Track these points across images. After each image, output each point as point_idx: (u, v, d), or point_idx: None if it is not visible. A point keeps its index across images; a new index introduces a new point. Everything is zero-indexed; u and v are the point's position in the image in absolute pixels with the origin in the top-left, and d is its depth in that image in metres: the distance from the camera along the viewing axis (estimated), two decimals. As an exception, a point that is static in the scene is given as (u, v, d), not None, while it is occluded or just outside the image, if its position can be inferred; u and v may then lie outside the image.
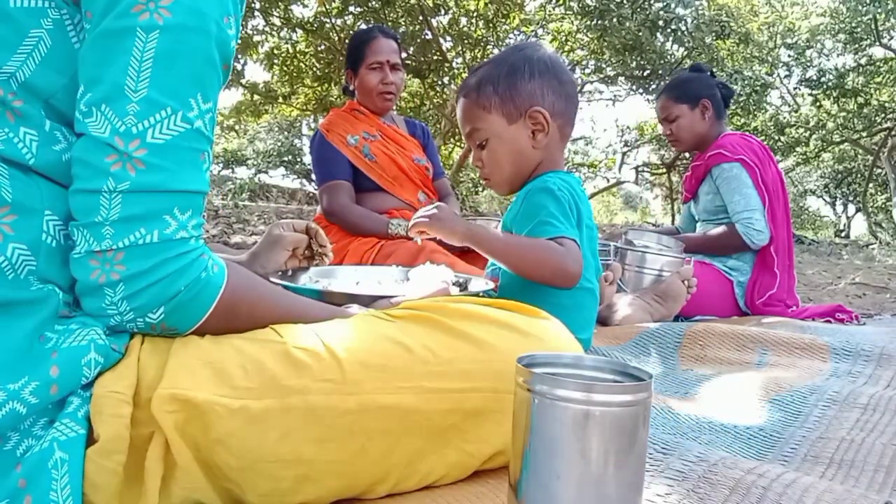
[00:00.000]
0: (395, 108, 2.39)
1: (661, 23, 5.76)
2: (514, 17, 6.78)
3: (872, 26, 9.23)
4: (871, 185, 13.41)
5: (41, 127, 0.59)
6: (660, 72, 7.13)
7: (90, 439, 0.57)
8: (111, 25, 0.57)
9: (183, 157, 0.60)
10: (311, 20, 6.26)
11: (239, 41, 0.66)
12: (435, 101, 7.46)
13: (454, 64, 6.81)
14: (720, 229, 2.29)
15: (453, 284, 1.19)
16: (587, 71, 8.17)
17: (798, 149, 11.34)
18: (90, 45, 0.58)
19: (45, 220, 0.59)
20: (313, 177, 2.55)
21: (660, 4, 5.64)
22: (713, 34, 6.63)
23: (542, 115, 1.18)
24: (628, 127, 11.39)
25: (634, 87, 8.28)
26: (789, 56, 11.12)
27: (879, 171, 13.01)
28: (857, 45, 9.88)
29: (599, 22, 6.09)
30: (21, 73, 0.58)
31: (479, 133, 1.24)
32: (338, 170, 2.22)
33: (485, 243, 1.13)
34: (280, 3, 6.01)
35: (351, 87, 2.37)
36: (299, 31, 6.55)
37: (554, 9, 6.93)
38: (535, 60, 1.20)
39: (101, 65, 0.57)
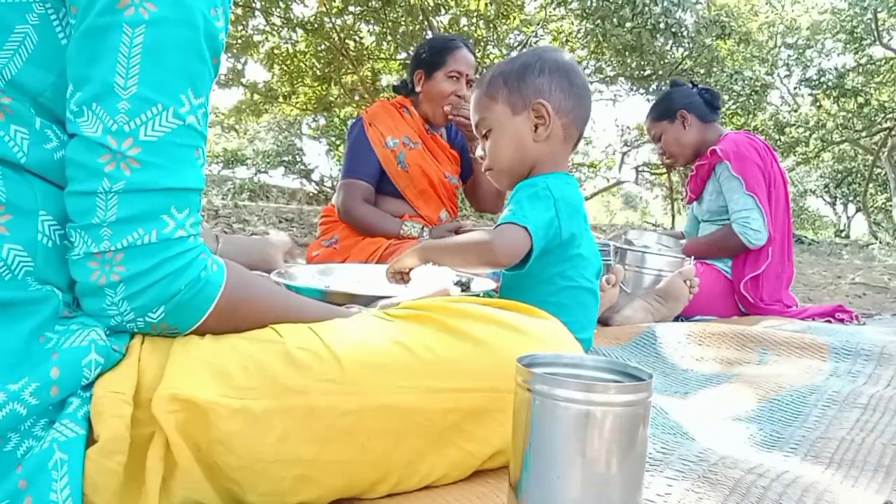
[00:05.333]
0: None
1: (661, 25, 5.75)
2: (514, 18, 6.78)
3: (873, 25, 9.23)
4: (871, 185, 13.41)
5: (32, 125, 0.58)
6: (660, 72, 7.13)
7: (90, 440, 0.57)
8: (96, 22, 0.56)
9: (177, 154, 0.59)
10: (311, 20, 6.25)
11: (228, 33, 0.64)
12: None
13: (454, 64, 6.80)
14: (718, 231, 2.29)
15: (456, 284, 1.20)
16: (587, 71, 8.16)
17: (798, 149, 11.35)
18: (77, 42, 0.57)
19: (39, 221, 0.58)
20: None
21: (659, 9, 5.63)
22: (714, 35, 6.63)
23: (544, 107, 1.21)
24: (628, 127, 11.39)
25: (634, 87, 8.29)
26: (789, 56, 11.12)
27: (879, 171, 13.02)
28: (857, 45, 9.88)
29: (599, 24, 6.08)
30: (7, 71, 0.57)
31: (484, 122, 1.27)
32: (364, 169, 2.18)
33: (435, 254, 1.18)
34: (280, 3, 6.00)
35: (417, 89, 2.26)
36: (299, 31, 6.55)
37: (554, 9, 6.93)
38: (546, 59, 1.24)
39: (89, 63, 0.56)
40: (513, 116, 1.23)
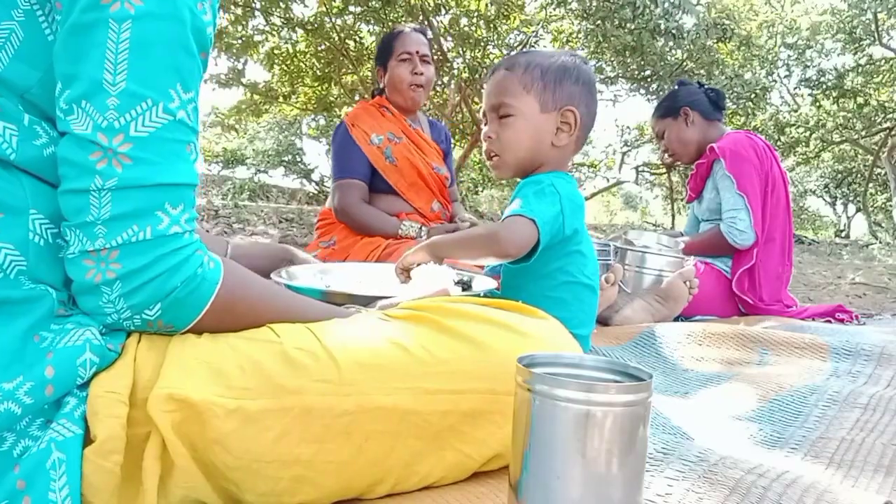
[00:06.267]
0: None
1: (662, 27, 5.76)
2: (514, 18, 6.77)
3: (872, 26, 9.23)
4: (871, 185, 13.41)
5: (20, 121, 0.58)
6: (660, 73, 7.12)
7: (87, 439, 0.57)
8: (82, 18, 0.55)
9: (168, 150, 0.59)
10: (311, 20, 6.25)
11: (216, 27, 0.64)
12: (435, 100, 7.45)
13: (454, 64, 6.80)
14: (710, 230, 2.29)
15: (457, 283, 1.20)
16: (587, 71, 8.14)
17: (798, 149, 11.36)
18: (63, 39, 0.56)
19: (31, 220, 0.58)
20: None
21: (660, 10, 5.62)
22: (715, 38, 6.63)
23: (574, 116, 1.22)
24: (628, 127, 11.40)
25: (634, 88, 8.28)
26: (789, 56, 11.13)
27: (879, 171, 13.01)
28: (856, 45, 9.89)
29: (600, 24, 6.08)
30: None
31: (506, 107, 1.24)
32: (354, 168, 2.20)
33: (444, 249, 1.20)
34: (280, 3, 6.00)
35: (381, 85, 2.33)
36: (299, 31, 6.55)
37: (554, 9, 6.93)
38: (582, 70, 1.26)
39: (76, 60, 0.56)
40: (540, 113, 1.23)
